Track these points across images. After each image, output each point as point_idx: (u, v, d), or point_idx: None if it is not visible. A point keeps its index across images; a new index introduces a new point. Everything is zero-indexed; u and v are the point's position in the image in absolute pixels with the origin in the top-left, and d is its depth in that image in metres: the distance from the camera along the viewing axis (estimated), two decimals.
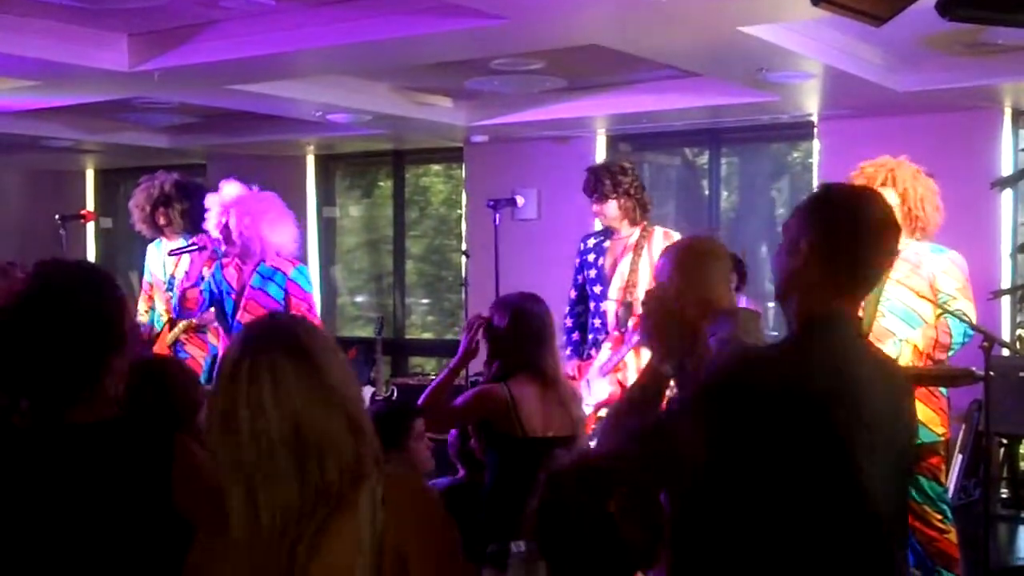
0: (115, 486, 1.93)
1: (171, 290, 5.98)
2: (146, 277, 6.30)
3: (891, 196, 4.50)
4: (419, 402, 3.79)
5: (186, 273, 5.45)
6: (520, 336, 3.66)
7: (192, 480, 1.95)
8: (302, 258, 5.49)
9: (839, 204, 2.24)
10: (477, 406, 3.68)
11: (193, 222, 6.06)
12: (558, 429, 3.60)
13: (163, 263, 6.19)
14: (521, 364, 3.64)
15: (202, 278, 5.40)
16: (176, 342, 5.89)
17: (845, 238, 2.18)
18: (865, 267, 2.23)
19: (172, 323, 5.89)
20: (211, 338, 6.03)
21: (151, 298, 6.21)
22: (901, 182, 4.52)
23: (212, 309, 5.47)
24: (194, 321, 5.78)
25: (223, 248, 5.28)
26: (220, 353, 5.48)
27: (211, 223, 5.30)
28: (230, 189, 5.31)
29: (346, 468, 1.77)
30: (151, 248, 6.36)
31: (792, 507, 2.04)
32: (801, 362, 2.11)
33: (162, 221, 6.24)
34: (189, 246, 5.40)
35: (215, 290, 5.33)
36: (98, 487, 1.92)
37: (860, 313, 4.36)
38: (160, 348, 5.78)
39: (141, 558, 1.93)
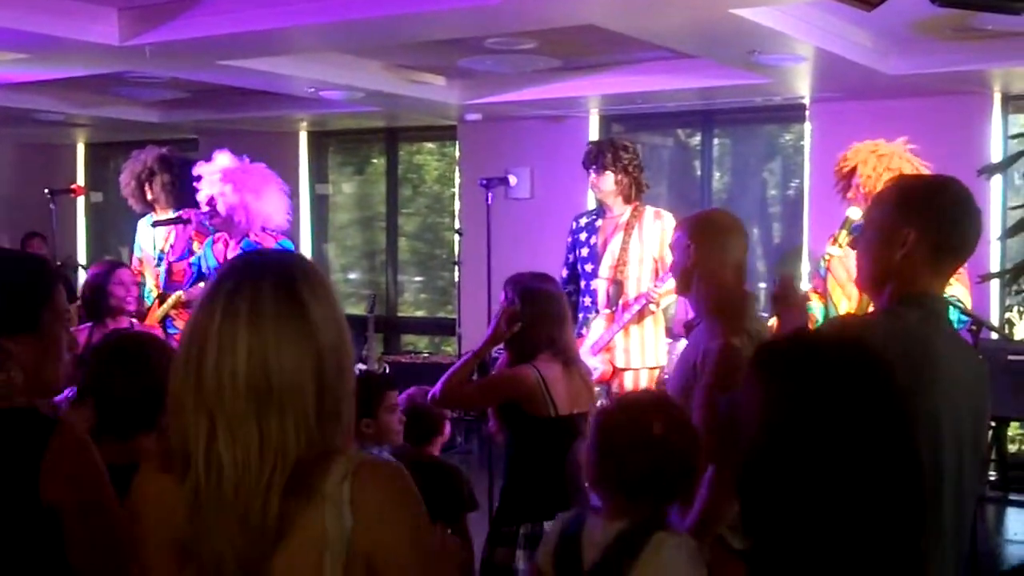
0: None
1: (160, 264, 5.96)
2: (136, 252, 6.26)
3: (855, 179, 4.52)
4: (439, 383, 3.73)
5: (171, 247, 5.44)
6: (541, 316, 3.63)
7: (62, 470, 1.91)
8: (290, 233, 5.45)
9: (937, 192, 2.33)
10: (508, 389, 3.63)
11: (180, 195, 6.01)
12: (582, 405, 3.62)
13: (153, 238, 6.15)
14: (543, 344, 3.61)
15: (191, 252, 5.38)
16: (166, 318, 5.86)
17: (949, 227, 2.28)
18: (966, 249, 2.33)
19: (162, 298, 5.86)
20: None
21: (141, 273, 6.14)
22: (852, 163, 4.53)
23: (201, 284, 5.47)
24: (183, 296, 5.75)
25: (208, 220, 5.25)
26: None
27: (202, 194, 5.27)
28: (220, 160, 5.29)
29: (310, 438, 1.61)
30: (141, 223, 6.31)
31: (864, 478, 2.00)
32: (899, 329, 2.18)
33: (149, 195, 6.16)
34: (174, 219, 5.38)
35: (203, 266, 5.32)
36: None
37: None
38: (151, 323, 5.76)
39: (8, 552, 1.90)
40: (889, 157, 4.48)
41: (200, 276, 5.36)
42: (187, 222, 5.29)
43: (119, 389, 2.59)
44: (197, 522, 1.62)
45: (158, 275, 5.98)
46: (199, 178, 5.28)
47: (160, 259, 5.99)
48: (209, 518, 1.61)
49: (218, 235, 5.34)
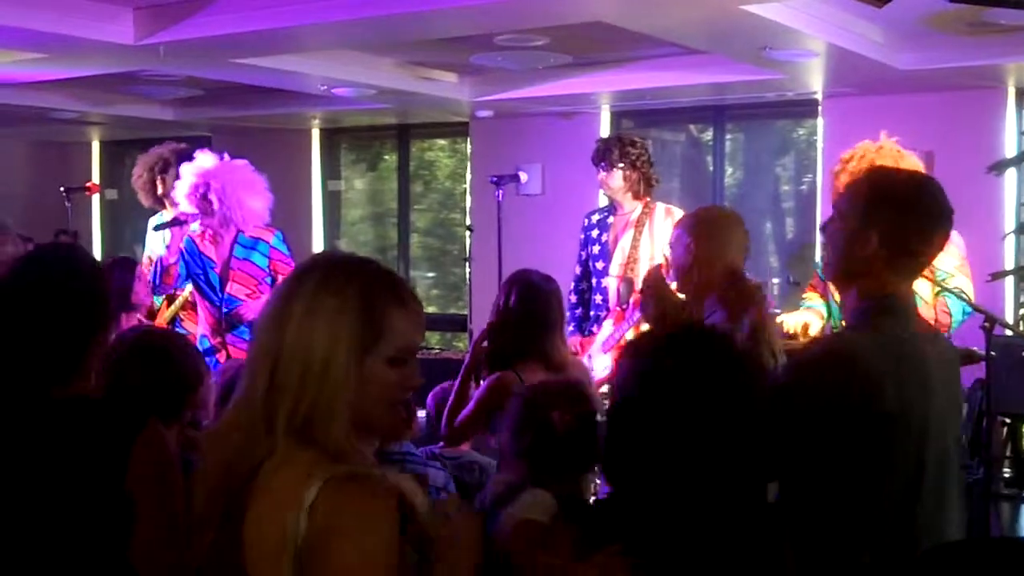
0: (75, 460, 1.96)
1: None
2: (147, 252, 6.23)
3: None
4: (443, 430, 3.70)
5: (167, 247, 5.43)
6: (526, 317, 3.58)
7: (148, 464, 1.97)
8: (289, 224, 5.47)
9: (905, 194, 2.32)
10: (495, 399, 3.50)
11: None
12: None
13: (162, 237, 6.07)
14: (526, 349, 3.56)
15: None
16: (175, 318, 5.86)
17: (914, 229, 2.28)
18: (929, 253, 2.34)
19: (171, 299, 5.84)
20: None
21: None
22: (842, 168, 4.51)
23: (185, 286, 5.47)
24: (187, 296, 5.75)
25: (199, 220, 5.24)
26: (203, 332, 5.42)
27: (180, 193, 5.23)
28: (204, 160, 5.28)
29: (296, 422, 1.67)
30: (152, 220, 6.30)
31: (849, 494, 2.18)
32: (888, 345, 2.21)
33: (160, 189, 6.10)
34: (171, 221, 5.39)
35: (192, 263, 5.31)
36: (61, 460, 1.95)
37: None
38: (159, 324, 5.76)
39: (87, 531, 1.96)
40: (872, 156, 4.48)
41: (190, 275, 5.35)
42: (184, 223, 5.30)
43: (142, 383, 2.62)
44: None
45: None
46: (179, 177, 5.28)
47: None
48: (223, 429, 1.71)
49: (198, 233, 5.33)
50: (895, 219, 2.27)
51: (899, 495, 2.18)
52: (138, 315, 4.99)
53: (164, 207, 6.15)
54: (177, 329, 5.64)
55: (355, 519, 1.61)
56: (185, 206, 5.26)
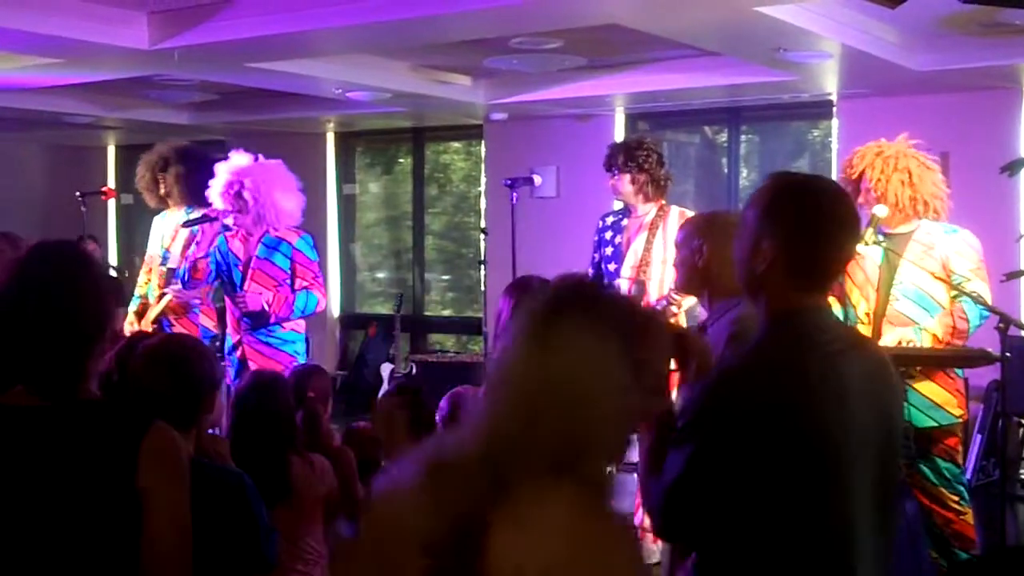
0: (84, 462, 1.97)
1: (164, 264, 5.88)
2: (149, 250, 6.17)
3: (863, 183, 4.48)
4: None
5: (197, 244, 5.42)
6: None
7: (156, 463, 1.98)
8: (304, 227, 5.49)
9: (799, 203, 2.15)
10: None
11: (196, 190, 5.86)
12: None
13: (161, 235, 6.06)
14: None
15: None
16: (162, 318, 5.76)
17: (809, 240, 2.12)
18: (829, 265, 2.17)
19: (161, 298, 5.80)
20: (203, 320, 5.87)
21: (151, 270, 6.04)
22: (859, 167, 4.50)
23: (215, 283, 5.48)
24: (172, 300, 5.72)
25: (232, 218, 5.27)
26: (227, 331, 5.45)
27: (215, 192, 5.27)
28: (239, 159, 5.32)
29: None
30: (156, 219, 6.24)
31: (773, 517, 2.07)
32: (767, 375, 2.08)
33: (162, 188, 6.03)
34: (202, 218, 5.41)
35: (222, 262, 5.34)
36: (69, 462, 1.96)
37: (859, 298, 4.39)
38: (145, 325, 5.70)
39: (98, 532, 1.96)
40: (895, 158, 4.45)
41: (219, 272, 5.37)
42: (215, 220, 5.31)
43: (159, 388, 2.64)
44: None
45: (162, 274, 5.89)
46: (213, 175, 5.29)
47: (165, 258, 5.92)
48: None
49: (231, 232, 5.35)
50: (789, 229, 2.11)
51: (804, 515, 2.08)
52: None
53: (168, 206, 6.09)
54: (165, 329, 5.63)
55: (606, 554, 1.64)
56: (219, 203, 5.28)
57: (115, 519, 1.95)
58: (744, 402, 2.05)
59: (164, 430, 2.03)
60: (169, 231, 6.00)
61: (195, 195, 5.84)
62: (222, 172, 5.29)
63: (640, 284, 5.28)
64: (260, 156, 5.42)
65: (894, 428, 2.26)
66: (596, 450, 1.67)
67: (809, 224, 2.12)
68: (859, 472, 2.11)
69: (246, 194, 5.20)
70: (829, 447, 2.08)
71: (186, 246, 5.76)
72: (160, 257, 5.99)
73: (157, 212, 6.26)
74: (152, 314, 5.78)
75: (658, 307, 5.16)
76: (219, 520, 2.59)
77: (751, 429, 2.03)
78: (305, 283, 5.26)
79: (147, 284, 5.99)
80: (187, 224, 5.65)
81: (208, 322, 5.90)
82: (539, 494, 1.60)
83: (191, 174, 5.92)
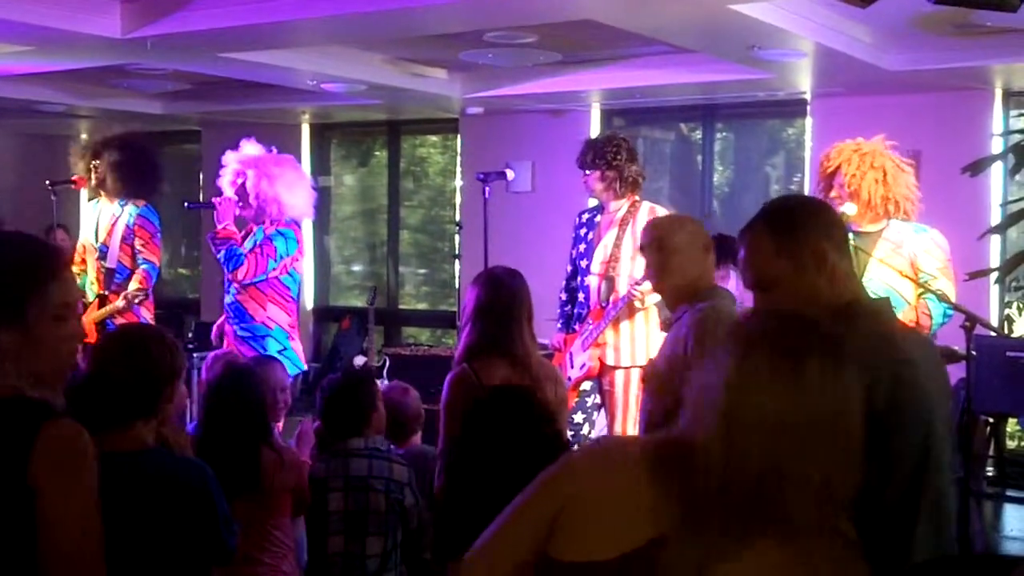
0: None
1: (103, 258, 5.75)
2: (80, 239, 6.01)
3: (836, 179, 4.52)
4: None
5: (217, 217, 5.30)
6: (488, 311, 3.52)
7: (51, 461, 1.90)
8: (300, 223, 5.44)
9: None
10: (458, 395, 3.44)
11: (130, 181, 5.78)
12: None
13: (95, 226, 5.90)
14: (489, 343, 3.50)
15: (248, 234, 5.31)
16: (106, 320, 5.62)
17: None
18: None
19: (102, 300, 5.68)
20: (144, 312, 5.73)
21: (84, 261, 5.86)
22: (834, 163, 4.54)
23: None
24: (120, 306, 5.62)
25: (239, 209, 5.24)
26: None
27: (225, 180, 5.26)
28: (249, 149, 5.30)
29: None
30: (89, 208, 6.11)
31: None
32: None
33: (93, 180, 5.85)
34: (205, 203, 5.39)
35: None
36: None
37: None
38: (87, 324, 5.37)
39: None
40: (872, 155, 4.50)
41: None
42: (215, 208, 5.27)
43: (119, 376, 2.63)
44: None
45: (99, 268, 5.76)
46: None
47: (103, 252, 5.77)
48: None
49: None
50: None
51: None
52: None
53: (99, 195, 5.95)
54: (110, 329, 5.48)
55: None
56: (228, 192, 5.25)
57: (8, 519, 1.89)
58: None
59: (62, 427, 1.94)
60: (105, 224, 5.84)
61: (131, 187, 5.77)
62: (231, 162, 5.28)
63: (609, 280, 5.29)
64: (274, 149, 5.40)
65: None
66: (843, 497, 1.56)
67: None
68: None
69: (249, 187, 5.19)
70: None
71: (123, 240, 5.70)
72: (97, 251, 5.82)
73: None
74: (99, 315, 5.63)
75: (623, 300, 5.17)
76: (179, 511, 2.58)
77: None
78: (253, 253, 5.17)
79: (82, 274, 5.79)
80: (191, 207, 5.72)
81: (147, 314, 5.75)
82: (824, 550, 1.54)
83: (126, 164, 5.79)
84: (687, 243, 3.37)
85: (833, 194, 4.47)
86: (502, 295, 3.54)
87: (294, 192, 5.26)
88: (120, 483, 2.34)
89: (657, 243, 3.40)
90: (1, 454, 1.91)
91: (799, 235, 2.28)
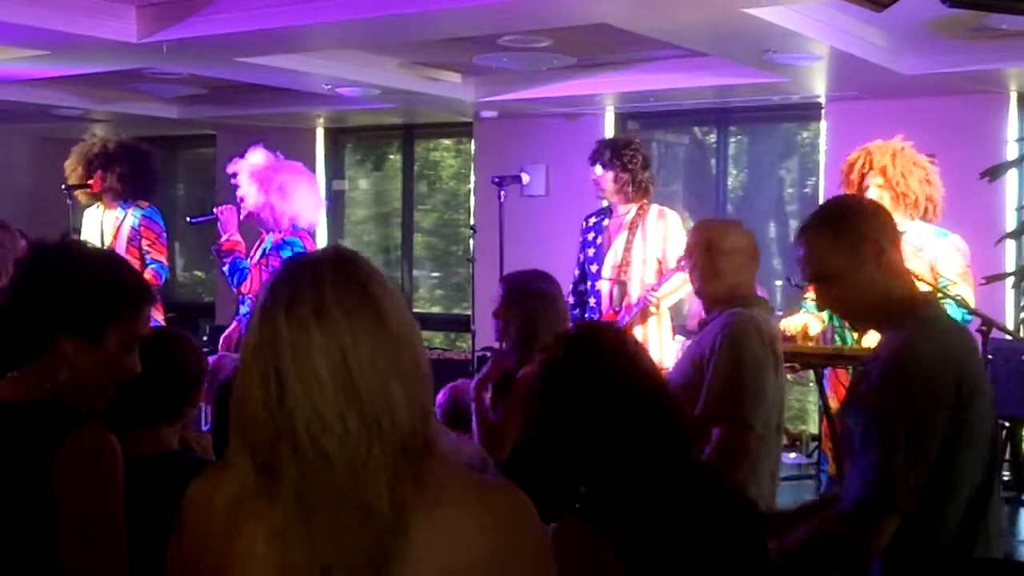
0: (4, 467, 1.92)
1: None
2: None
3: (875, 178, 4.52)
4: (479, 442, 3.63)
5: (221, 227, 5.30)
6: (542, 316, 3.55)
7: (75, 470, 1.90)
8: (313, 232, 5.43)
9: None
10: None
11: (134, 190, 5.81)
12: None
13: (100, 232, 5.92)
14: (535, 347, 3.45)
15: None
16: None
17: None
18: None
19: None
20: (155, 314, 5.62)
21: None
22: (878, 163, 4.54)
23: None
24: None
25: (242, 217, 5.24)
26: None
27: (242, 190, 5.23)
28: (253, 157, 5.26)
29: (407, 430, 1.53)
30: (88, 214, 6.10)
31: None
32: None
33: (97, 186, 5.86)
34: (208, 215, 5.38)
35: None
36: None
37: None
38: None
39: (13, 542, 1.92)
40: (911, 155, 4.53)
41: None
42: (217, 219, 5.27)
43: (148, 377, 2.64)
44: (302, 532, 1.42)
45: None
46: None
47: None
48: (321, 519, 1.41)
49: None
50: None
51: None
52: None
53: (101, 203, 5.99)
54: None
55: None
56: (250, 201, 5.22)
57: (32, 530, 1.90)
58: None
59: (90, 433, 1.94)
60: (109, 228, 5.87)
61: (133, 195, 5.81)
62: (237, 170, 5.24)
63: (622, 285, 5.28)
64: (279, 155, 5.37)
65: None
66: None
67: None
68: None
69: (246, 195, 5.17)
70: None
71: (129, 242, 5.73)
72: None
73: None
74: None
75: (637, 306, 5.16)
76: None
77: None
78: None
79: None
80: (193, 222, 5.61)
81: (158, 316, 5.74)
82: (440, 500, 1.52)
83: (134, 175, 5.85)
84: (737, 248, 3.30)
85: (873, 193, 4.45)
86: (550, 298, 3.66)
87: (291, 201, 5.16)
88: (145, 487, 2.35)
89: (706, 243, 3.31)
90: (29, 455, 1.92)
91: (858, 231, 2.44)
